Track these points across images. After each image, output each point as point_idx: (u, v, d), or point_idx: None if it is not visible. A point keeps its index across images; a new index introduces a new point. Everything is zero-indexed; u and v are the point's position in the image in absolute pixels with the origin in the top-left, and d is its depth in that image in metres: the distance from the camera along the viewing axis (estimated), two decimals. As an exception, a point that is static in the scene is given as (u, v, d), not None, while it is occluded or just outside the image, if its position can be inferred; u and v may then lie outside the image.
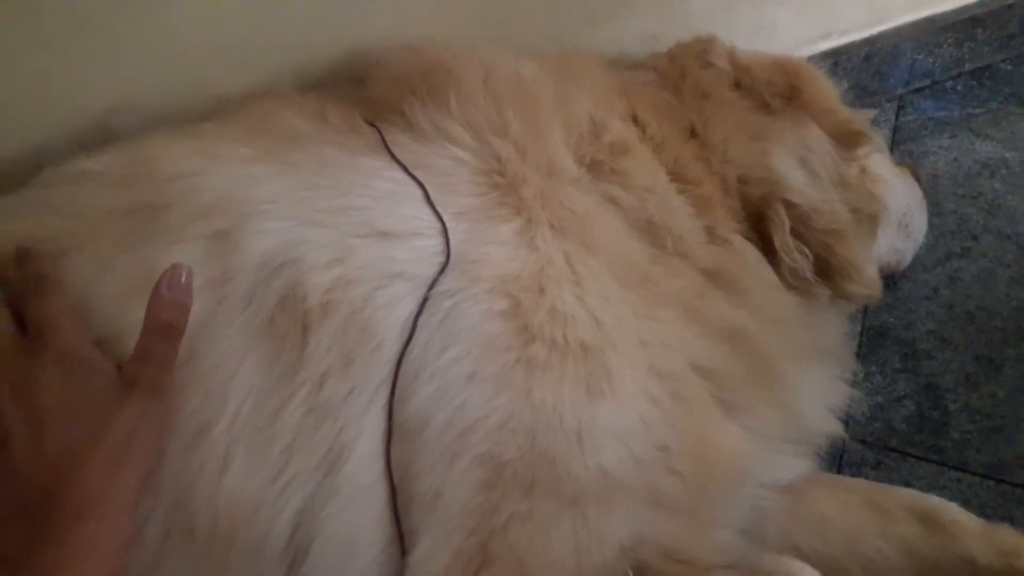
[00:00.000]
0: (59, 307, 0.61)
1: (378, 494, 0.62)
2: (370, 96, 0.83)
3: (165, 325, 0.60)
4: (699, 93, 0.91)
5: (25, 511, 0.54)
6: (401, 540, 0.62)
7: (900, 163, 1.10)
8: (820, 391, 0.87)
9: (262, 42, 0.87)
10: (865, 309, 1.11)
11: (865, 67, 1.38)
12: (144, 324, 0.60)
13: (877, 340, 1.09)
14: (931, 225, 1.14)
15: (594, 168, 0.81)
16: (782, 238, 0.87)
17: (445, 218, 0.71)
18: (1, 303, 0.62)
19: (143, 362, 0.59)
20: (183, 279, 0.60)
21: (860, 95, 1.37)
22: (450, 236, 0.70)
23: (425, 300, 0.67)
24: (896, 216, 1.04)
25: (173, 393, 0.61)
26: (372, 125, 0.79)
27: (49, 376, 0.58)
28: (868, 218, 0.95)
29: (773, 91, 0.93)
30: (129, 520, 0.57)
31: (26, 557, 0.52)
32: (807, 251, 0.88)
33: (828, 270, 0.90)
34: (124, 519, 0.56)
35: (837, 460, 0.96)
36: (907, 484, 0.87)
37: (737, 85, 0.94)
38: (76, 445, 0.56)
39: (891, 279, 1.11)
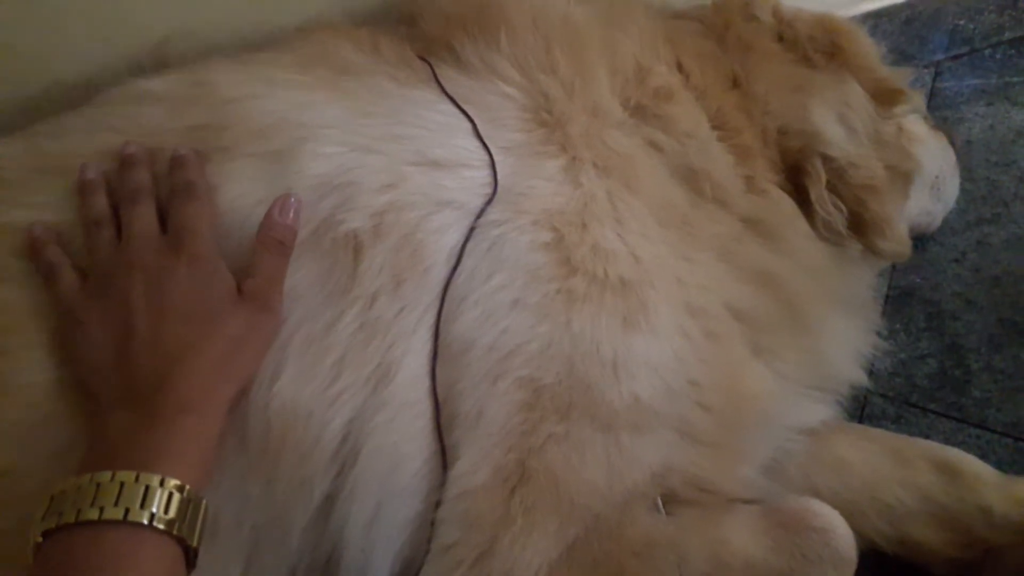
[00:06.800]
0: (201, 213, 0.65)
1: (423, 409, 0.65)
2: (422, 32, 0.84)
3: (276, 242, 0.64)
4: (743, 44, 0.92)
5: (132, 399, 0.57)
6: (443, 455, 0.65)
7: (935, 127, 1.10)
8: (848, 340, 0.89)
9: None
10: (892, 268, 1.12)
11: (905, 31, 1.38)
12: (257, 241, 0.64)
13: (903, 299, 1.10)
14: (963, 190, 1.15)
15: (638, 112, 0.82)
16: (818, 191, 0.88)
17: (493, 151, 0.73)
18: (150, 202, 0.66)
19: (255, 275, 0.64)
20: (293, 205, 0.65)
21: (898, 59, 1.35)
22: (497, 169, 0.72)
23: (472, 228, 0.69)
24: (929, 177, 1.05)
25: (279, 310, 0.64)
26: (423, 60, 0.80)
27: (179, 276, 0.62)
28: (902, 176, 0.96)
29: (815, 46, 0.94)
30: (222, 421, 0.60)
31: (128, 442, 0.55)
32: (841, 205, 0.90)
33: (861, 225, 0.91)
34: (218, 420, 0.59)
35: (859, 412, 0.98)
36: (926, 438, 0.88)
37: (780, 39, 0.94)
38: (189, 344, 0.59)
39: (920, 241, 1.11)
